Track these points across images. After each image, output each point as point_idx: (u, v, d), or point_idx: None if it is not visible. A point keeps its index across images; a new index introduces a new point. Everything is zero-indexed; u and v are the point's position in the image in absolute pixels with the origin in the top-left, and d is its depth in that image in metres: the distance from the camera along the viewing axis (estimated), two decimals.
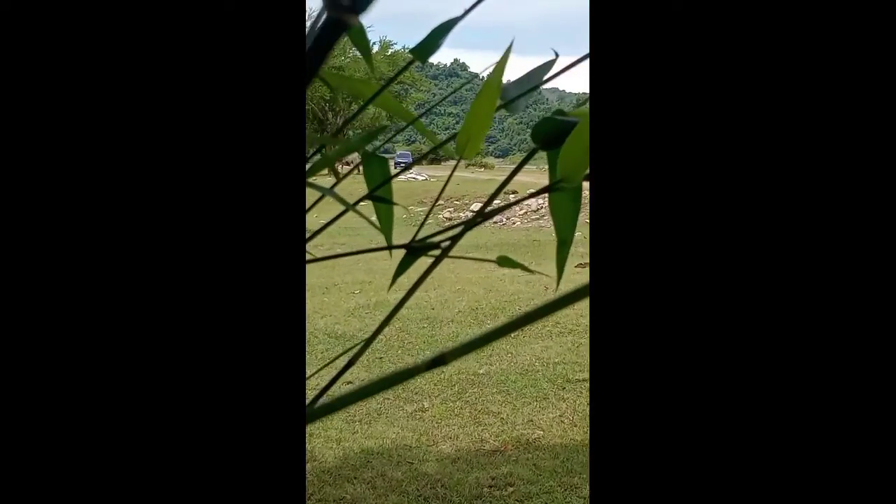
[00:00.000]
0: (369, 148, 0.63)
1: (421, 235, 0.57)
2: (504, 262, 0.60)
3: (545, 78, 0.62)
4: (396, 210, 0.63)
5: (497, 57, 0.53)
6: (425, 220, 0.60)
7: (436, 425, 3.16)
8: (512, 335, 4.36)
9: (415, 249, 0.56)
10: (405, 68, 0.71)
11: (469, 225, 0.54)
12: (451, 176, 0.56)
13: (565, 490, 2.50)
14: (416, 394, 3.51)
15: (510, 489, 2.50)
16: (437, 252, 0.55)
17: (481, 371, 3.76)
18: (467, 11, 0.63)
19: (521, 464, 2.72)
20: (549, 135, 0.51)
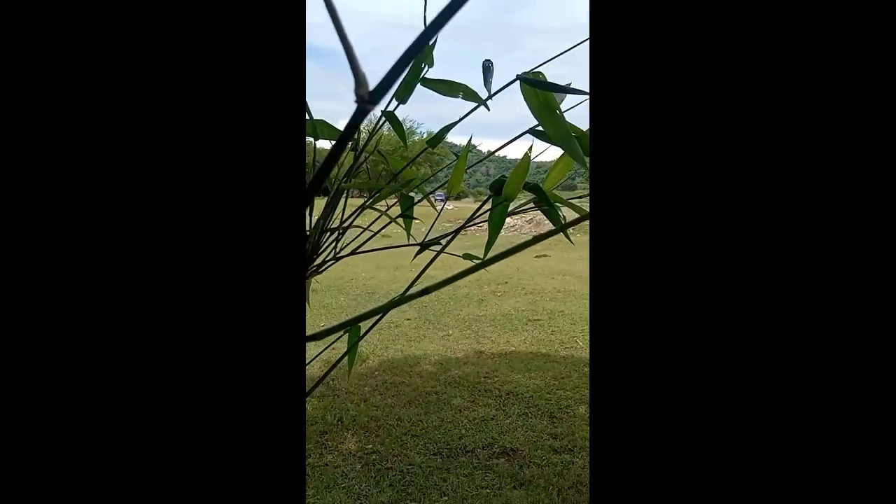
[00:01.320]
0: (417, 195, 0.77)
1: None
2: (467, 256, 0.71)
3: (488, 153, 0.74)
4: (428, 227, 0.79)
5: (495, 142, 0.66)
6: (431, 227, 0.75)
7: (457, 341, 4.10)
8: (497, 295, 5.62)
9: (424, 246, 0.69)
10: (420, 153, 0.85)
11: (455, 233, 0.67)
12: (443, 208, 0.71)
13: (526, 377, 3.42)
14: (445, 327, 4.49)
15: (496, 378, 3.36)
16: (437, 247, 0.69)
17: (481, 314, 4.85)
18: (463, 117, 0.73)
19: (501, 362, 3.65)
20: (498, 185, 0.65)
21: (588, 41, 0.33)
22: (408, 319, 4.63)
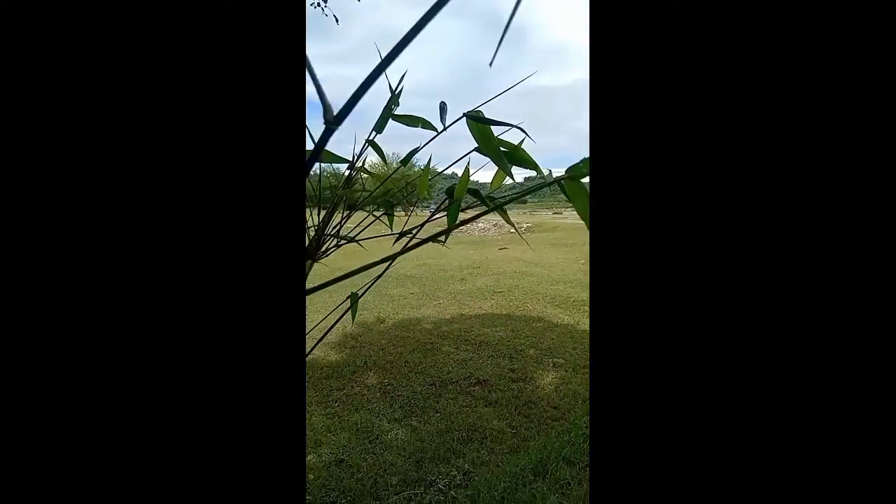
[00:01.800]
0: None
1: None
2: (435, 240, 0.62)
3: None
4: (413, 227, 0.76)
5: (455, 167, 0.62)
6: (408, 219, 0.68)
7: (446, 307, 4.02)
8: (473, 275, 5.54)
9: (402, 234, 0.65)
10: (395, 171, 0.84)
11: (421, 225, 0.63)
12: (411, 214, 0.75)
13: (493, 331, 3.31)
14: (437, 297, 4.38)
15: (472, 332, 3.31)
16: (409, 235, 0.64)
17: (462, 288, 4.77)
18: (425, 144, 0.67)
19: (476, 321, 3.61)
20: (450, 190, 0.63)
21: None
22: (411, 293, 4.57)
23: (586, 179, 0.50)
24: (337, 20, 3.53)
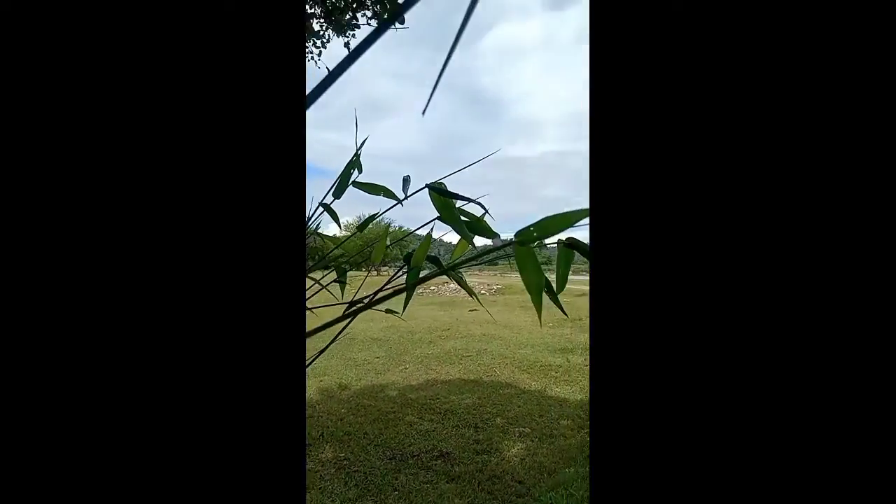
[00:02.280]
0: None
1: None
2: (388, 311, 0.64)
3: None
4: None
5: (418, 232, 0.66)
6: (360, 287, 0.67)
7: (412, 373, 3.81)
8: (442, 338, 5.24)
9: (352, 304, 0.60)
10: (351, 235, 0.81)
11: (374, 294, 0.67)
12: (367, 274, 0.64)
13: (460, 398, 3.16)
14: (404, 362, 4.19)
15: (438, 399, 3.15)
16: (361, 304, 0.60)
17: (430, 352, 4.49)
18: (386, 210, 0.66)
19: (443, 387, 3.41)
20: (408, 257, 0.62)
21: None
22: (377, 357, 4.43)
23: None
24: (329, 72, 3.65)
